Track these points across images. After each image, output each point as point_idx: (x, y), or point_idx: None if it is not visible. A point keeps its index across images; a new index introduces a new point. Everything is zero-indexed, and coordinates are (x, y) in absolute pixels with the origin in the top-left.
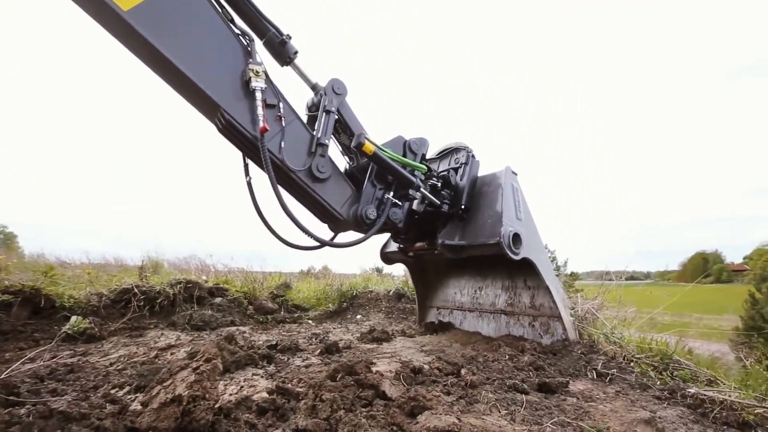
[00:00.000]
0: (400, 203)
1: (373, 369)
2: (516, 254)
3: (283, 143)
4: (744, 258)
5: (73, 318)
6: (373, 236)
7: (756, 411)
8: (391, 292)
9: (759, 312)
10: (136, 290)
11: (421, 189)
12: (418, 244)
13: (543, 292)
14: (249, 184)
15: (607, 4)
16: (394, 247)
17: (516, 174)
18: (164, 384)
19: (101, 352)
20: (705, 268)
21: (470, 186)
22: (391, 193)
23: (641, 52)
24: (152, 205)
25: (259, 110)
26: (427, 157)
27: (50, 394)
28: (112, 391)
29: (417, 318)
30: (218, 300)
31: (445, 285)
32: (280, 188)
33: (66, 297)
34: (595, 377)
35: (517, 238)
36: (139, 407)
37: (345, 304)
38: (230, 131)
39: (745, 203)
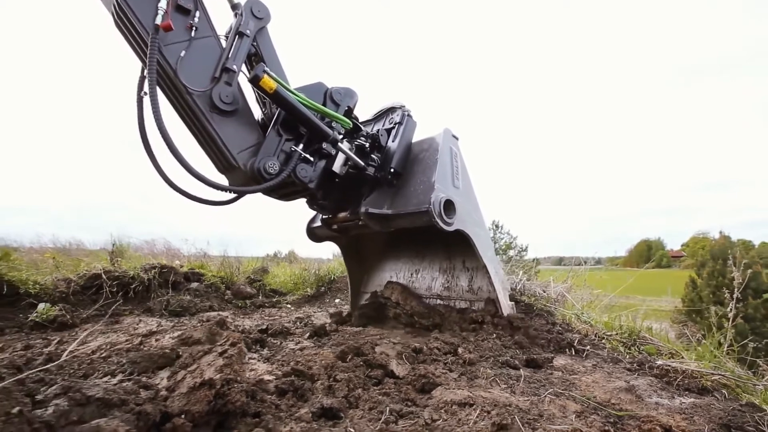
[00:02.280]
0: (312, 159)
1: (377, 350)
2: (448, 224)
3: (183, 53)
4: (681, 245)
5: (41, 305)
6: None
7: (712, 378)
8: None
9: (698, 294)
10: (107, 276)
11: (340, 145)
12: (342, 215)
13: (481, 273)
14: (140, 101)
15: None
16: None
17: (457, 138)
18: (189, 369)
19: (77, 341)
20: (648, 254)
21: (403, 148)
22: (301, 146)
23: (600, 45)
24: (99, 183)
25: (163, 2)
26: (363, 119)
27: (38, 384)
28: (104, 379)
29: (350, 306)
30: (194, 285)
31: (381, 268)
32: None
33: (30, 283)
34: (573, 353)
35: (449, 205)
36: (164, 392)
37: (323, 288)
38: (122, 20)
39: (691, 197)
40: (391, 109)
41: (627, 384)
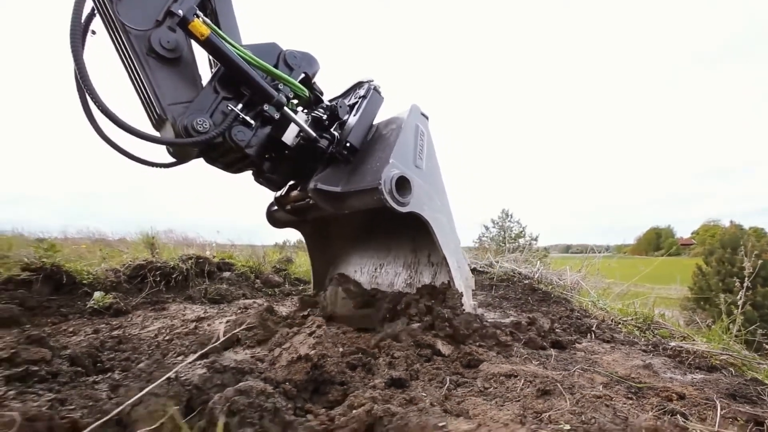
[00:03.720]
0: (252, 123)
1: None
2: (401, 204)
3: None
4: (692, 233)
5: (97, 293)
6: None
7: (721, 357)
8: None
9: (707, 282)
10: (150, 266)
11: (286, 110)
12: (294, 193)
13: (444, 268)
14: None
15: None
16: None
17: (426, 117)
18: (284, 347)
19: (136, 325)
20: (657, 242)
21: (362, 123)
22: (240, 107)
23: (608, 30)
24: (91, 171)
25: None
26: (331, 97)
27: (125, 362)
28: (179, 359)
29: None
30: (227, 274)
31: (347, 261)
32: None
33: (85, 273)
34: (593, 337)
35: (403, 182)
36: (266, 365)
37: None
38: None
39: (696, 182)
40: (359, 84)
41: (644, 362)
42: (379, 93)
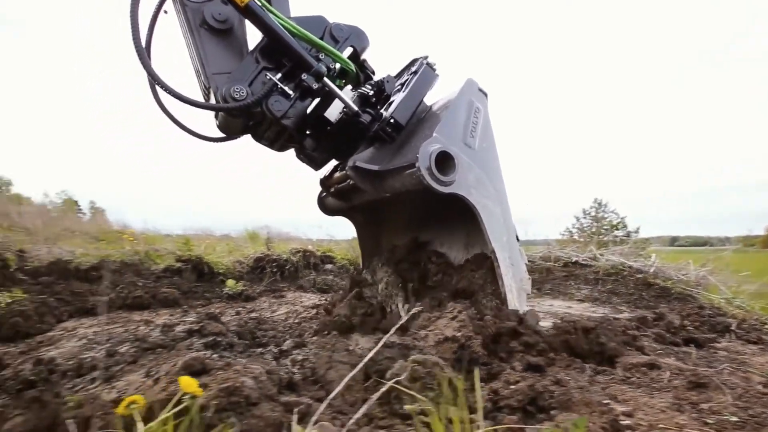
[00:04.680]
0: (291, 93)
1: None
2: (442, 183)
3: None
4: None
5: (230, 281)
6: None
7: None
8: None
9: None
10: (267, 259)
11: (326, 80)
12: (337, 175)
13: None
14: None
15: None
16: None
17: (485, 94)
18: (428, 329)
19: (265, 309)
20: None
21: (410, 98)
22: (279, 76)
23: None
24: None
25: None
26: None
27: (274, 339)
28: (315, 338)
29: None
30: (329, 266)
31: None
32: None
33: (220, 264)
34: (733, 337)
35: (446, 159)
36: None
37: None
38: None
39: None
40: (413, 62)
41: None
42: (432, 69)
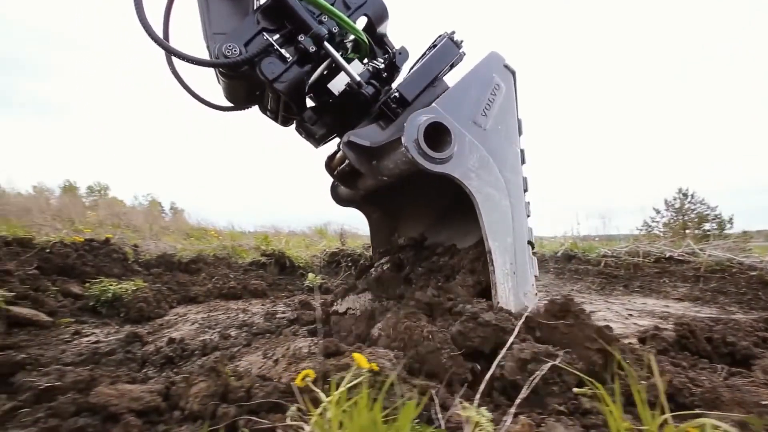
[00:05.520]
0: (287, 57)
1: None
2: (431, 160)
3: None
4: None
5: (310, 274)
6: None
7: None
8: (559, 254)
9: None
10: (343, 253)
11: (326, 45)
12: (339, 155)
13: (488, 267)
14: None
15: None
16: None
17: (511, 72)
18: None
19: (347, 300)
20: None
21: (421, 72)
22: (276, 37)
23: None
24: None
25: None
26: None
27: None
28: None
29: None
30: None
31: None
32: None
33: (300, 259)
34: None
35: (439, 131)
36: None
37: None
38: None
39: None
40: (439, 38)
41: None
42: (455, 44)
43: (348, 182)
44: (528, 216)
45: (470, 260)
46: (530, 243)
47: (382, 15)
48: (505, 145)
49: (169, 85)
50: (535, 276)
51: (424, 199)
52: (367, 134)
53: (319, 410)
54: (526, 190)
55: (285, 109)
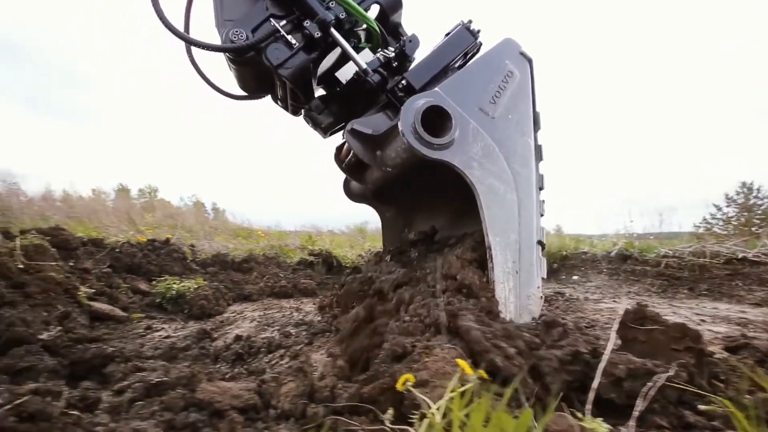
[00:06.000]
0: (294, 43)
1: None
2: (428, 146)
3: None
4: None
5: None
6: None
7: None
8: (612, 253)
9: None
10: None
11: (333, 31)
12: (347, 146)
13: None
14: None
15: None
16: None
17: (528, 59)
18: None
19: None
20: None
21: (431, 60)
22: (283, 23)
23: None
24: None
25: None
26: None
27: None
28: None
29: None
30: None
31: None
32: None
33: (347, 258)
34: None
35: (440, 117)
36: None
37: (555, 265)
38: None
39: None
40: (455, 27)
41: None
42: (470, 33)
43: (356, 175)
44: (542, 215)
45: (477, 241)
46: (541, 243)
47: (395, 3)
48: (515, 135)
49: (200, 88)
50: (543, 277)
51: (440, 197)
52: (372, 123)
53: (431, 413)
54: (541, 188)
55: (292, 98)
